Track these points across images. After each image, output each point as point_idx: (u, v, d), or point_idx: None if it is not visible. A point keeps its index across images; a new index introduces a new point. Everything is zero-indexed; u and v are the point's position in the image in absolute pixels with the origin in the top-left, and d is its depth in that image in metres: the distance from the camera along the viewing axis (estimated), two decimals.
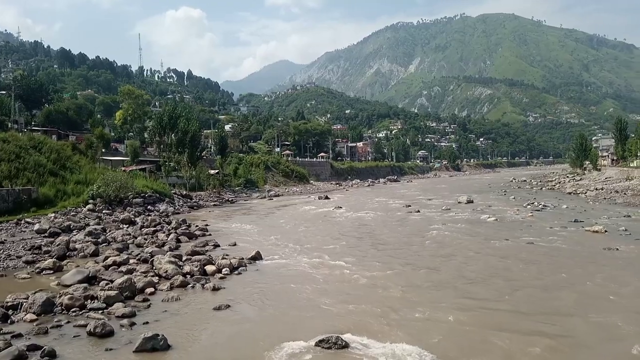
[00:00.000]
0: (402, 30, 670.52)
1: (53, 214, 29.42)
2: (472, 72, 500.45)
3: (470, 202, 44.42)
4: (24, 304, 12.35)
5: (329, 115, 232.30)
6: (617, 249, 19.80)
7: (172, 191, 46.62)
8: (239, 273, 16.92)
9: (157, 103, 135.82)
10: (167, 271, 16.12)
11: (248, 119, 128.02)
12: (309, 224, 31.43)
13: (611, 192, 48.19)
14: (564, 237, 23.58)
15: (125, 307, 12.48)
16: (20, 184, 31.63)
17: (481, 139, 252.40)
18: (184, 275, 15.97)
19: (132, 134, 75.82)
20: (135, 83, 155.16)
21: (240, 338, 10.92)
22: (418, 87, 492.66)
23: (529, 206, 39.45)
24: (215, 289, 14.71)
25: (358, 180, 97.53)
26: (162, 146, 60.03)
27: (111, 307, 12.48)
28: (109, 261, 17.60)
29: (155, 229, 27.24)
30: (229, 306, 12.96)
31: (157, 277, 15.78)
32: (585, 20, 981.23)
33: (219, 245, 22.31)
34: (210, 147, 79.44)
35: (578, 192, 54.22)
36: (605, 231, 24.45)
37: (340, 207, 41.96)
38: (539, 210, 36.39)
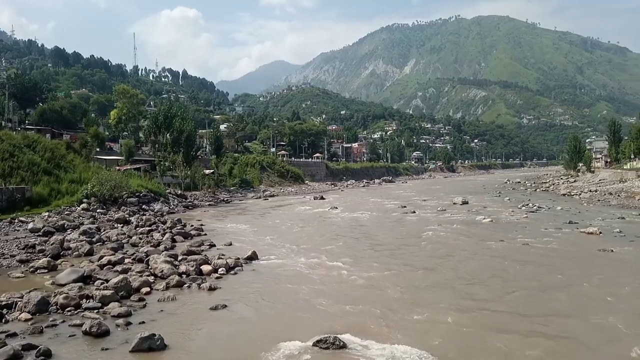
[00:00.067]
0: (397, 31, 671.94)
1: (47, 213, 29.19)
2: (466, 74, 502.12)
3: (465, 203, 44.55)
4: (19, 303, 12.23)
5: (324, 116, 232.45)
6: (612, 251, 19.89)
7: (167, 191, 46.44)
8: (235, 273, 16.86)
9: (151, 102, 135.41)
10: (162, 271, 16.05)
11: (243, 119, 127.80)
12: (304, 224, 31.38)
13: (605, 194, 48.45)
14: (559, 238, 23.67)
15: (121, 306, 12.39)
16: (14, 183, 31.38)
17: (475, 141, 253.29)
18: (180, 275, 15.90)
19: (126, 133, 75.48)
20: (130, 82, 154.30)
21: (237, 338, 10.86)
22: (413, 88, 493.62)
23: (524, 207, 39.59)
24: (211, 288, 14.65)
25: (353, 181, 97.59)
26: (157, 145, 59.74)
27: (107, 307, 12.39)
28: (104, 260, 17.48)
29: (150, 228, 27.10)
30: (225, 306, 12.89)
31: (152, 277, 15.71)
32: (579, 23, 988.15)
33: (214, 245, 22.23)
34: (206, 147, 79.24)
35: (572, 193, 54.48)
36: (600, 233, 24.58)
37: (336, 208, 41.97)
38: (533, 212, 36.53)
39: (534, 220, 31.11)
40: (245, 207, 45.97)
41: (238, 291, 14.60)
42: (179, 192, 49.55)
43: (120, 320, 11.44)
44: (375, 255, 20.08)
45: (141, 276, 15.35)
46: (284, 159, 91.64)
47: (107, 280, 14.56)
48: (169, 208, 39.80)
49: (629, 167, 68.02)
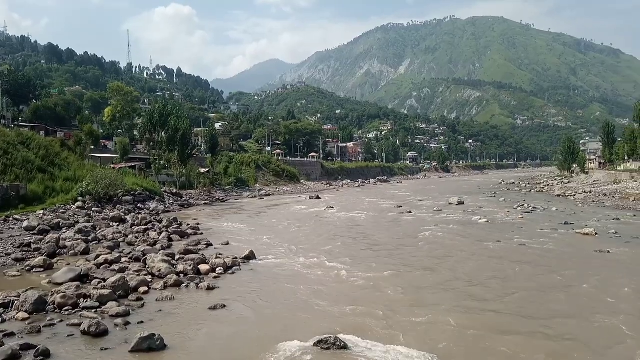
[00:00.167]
0: (392, 31, 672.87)
1: (42, 211, 28.93)
2: (461, 75, 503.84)
3: (461, 203, 44.65)
4: (16, 302, 12.10)
5: (319, 115, 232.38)
6: (608, 252, 19.97)
7: (163, 189, 46.22)
8: (233, 272, 16.79)
9: (146, 100, 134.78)
10: (160, 270, 15.95)
11: (239, 117, 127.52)
12: (301, 223, 31.33)
13: (599, 195, 48.71)
14: (555, 239, 23.74)
15: (119, 306, 12.30)
16: (8, 181, 31.05)
17: (470, 141, 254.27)
18: (178, 274, 15.82)
19: (121, 131, 75.02)
20: (124, 80, 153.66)
21: (237, 338, 10.81)
22: (408, 88, 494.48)
23: (519, 208, 39.73)
24: (209, 288, 14.58)
25: (348, 181, 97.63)
26: (152, 144, 59.48)
27: (105, 306, 12.30)
28: (101, 259, 17.35)
29: (146, 227, 26.97)
30: (224, 306, 12.82)
31: (150, 276, 15.61)
32: (573, 24, 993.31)
33: (211, 245, 22.15)
34: (201, 146, 78.94)
35: (567, 194, 54.74)
36: (596, 234, 24.69)
37: (332, 207, 41.95)
38: (529, 212, 36.65)
39: (529, 221, 31.20)
40: (241, 206, 45.86)
41: (236, 291, 14.54)
42: (175, 190, 49.32)
43: (119, 320, 11.35)
44: (373, 255, 20.06)
45: (139, 275, 15.26)
46: (280, 158, 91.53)
47: (104, 280, 14.45)
48: (165, 207, 39.62)
49: (622, 169, 68.41)
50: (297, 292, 14.33)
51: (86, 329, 10.49)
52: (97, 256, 17.93)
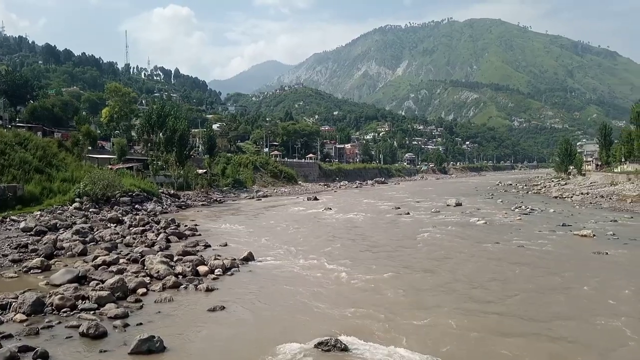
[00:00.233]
0: (390, 33, 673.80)
1: (39, 212, 28.84)
2: (458, 76, 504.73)
3: (458, 205, 44.69)
4: (13, 303, 12.02)
5: (316, 117, 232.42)
6: (607, 253, 20.00)
7: (160, 190, 46.11)
8: (232, 274, 16.73)
9: (143, 101, 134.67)
10: (159, 271, 15.88)
11: (236, 118, 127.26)
12: (299, 225, 31.27)
13: (597, 197, 48.81)
14: (553, 240, 23.76)
15: (117, 307, 12.23)
16: (5, 181, 30.97)
17: (467, 143, 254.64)
18: (176, 275, 15.75)
19: (118, 131, 74.87)
20: (122, 80, 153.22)
21: (236, 340, 10.76)
22: (405, 90, 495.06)
23: (517, 210, 39.77)
24: (208, 289, 14.53)
25: (346, 182, 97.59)
26: (149, 144, 59.34)
27: (103, 308, 12.23)
28: (99, 261, 17.28)
29: (144, 228, 26.86)
30: (223, 307, 12.77)
31: (148, 278, 15.53)
32: (570, 26, 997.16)
33: (209, 246, 22.07)
34: (198, 147, 78.83)
35: (564, 196, 54.83)
36: (594, 235, 24.73)
37: (330, 209, 41.92)
38: (526, 214, 36.70)
39: (527, 223, 31.24)
40: (238, 207, 45.78)
41: (235, 292, 14.48)
42: (172, 191, 49.24)
43: (118, 322, 11.28)
44: (372, 257, 20.01)
45: (137, 277, 15.17)
46: (277, 159, 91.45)
47: (102, 281, 14.38)
48: (162, 208, 39.52)
49: (619, 170, 68.62)
50: (297, 293, 14.29)
51: (85, 330, 10.43)
52: (95, 257, 17.84)
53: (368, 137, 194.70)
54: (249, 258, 18.99)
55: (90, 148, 53.44)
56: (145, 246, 20.84)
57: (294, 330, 11.18)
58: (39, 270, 16.39)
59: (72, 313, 11.92)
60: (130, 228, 27.06)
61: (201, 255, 18.83)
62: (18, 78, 74.01)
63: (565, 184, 75.33)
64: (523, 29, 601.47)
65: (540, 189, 70.20)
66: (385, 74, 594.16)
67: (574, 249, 21.69)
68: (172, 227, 27.05)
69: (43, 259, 17.47)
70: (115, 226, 27.69)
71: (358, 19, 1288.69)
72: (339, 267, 17.67)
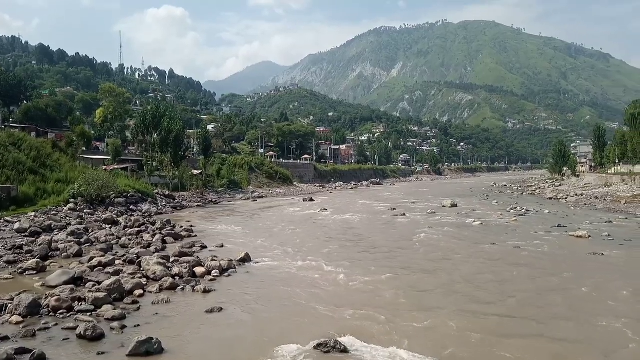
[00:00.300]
0: (385, 34, 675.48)
1: (33, 213, 28.61)
2: (453, 78, 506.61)
3: (454, 206, 44.77)
4: (9, 305, 11.90)
5: (312, 118, 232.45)
6: (602, 254, 20.06)
7: (155, 191, 45.95)
8: (229, 275, 16.66)
9: (137, 102, 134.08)
10: (155, 273, 15.79)
11: (231, 119, 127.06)
12: (295, 226, 31.20)
13: (591, 198, 49.05)
14: (549, 241, 23.82)
15: (114, 309, 12.12)
16: None
17: (462, 144, 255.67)
18: (173, 277, 15.67)
19: (112, 132, 74.53)
20: (116, 81, 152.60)
21: (235, 342, 10.69)
22: (400, 91, 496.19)
23: (512, 211, 39.88)
24: (205, 291, 14.45)
25: (341, 183, 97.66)
26: (144, 145, 59.09)
27: (100, 310, 12.11)
28: (94, 262, 17.12)
29: (139, 229, 26.70)
30: (221, 309, 12.69)
31: (145, 279, 15.43)
32: (563, 29, 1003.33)
33: (206, 247, 21.97)
34: (193, 147, 78.61)
35: (559, 197, 55.06)
36: (589, 236, 24.81)
37: (326, 210, 41.88)
38: (522, 215, 36.80)
39: (523, 224, 31.33)
40: (234, 208, 45.66)
41: (233, 294, 14.42)
42: (167, 192, 49.07)
43: (115, 324, 11.17)
44: (370, 258, 19.97)
45: (133, 278, 15.05)
46: (273, 160, 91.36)
47: (99, 282, 14.28)
48: (157, 209, 39.37)
49: (613, 172, 68.99)
50: (294, 295, 14.23)
51: (82, 332, 10.32)
52: (91, 259, 17.70)
53: (363, 138, 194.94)
54: (245, 259, 18.92)
55: (84, 149, 53.19)
56: (141, 247, 20.71)
57: (293, 331, 11.13)
58: (35, 272, 16.23)
59: (68, 315, 11.81)
60: (126, 229, 26.91)
61: (198, 257, 18.73)
62: (11, 78, 73.57)
63: (560, 185, 75.74)
64: (517, 31, 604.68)
65: (534, 190, 70.49)
66: (380, 75, 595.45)
67: (570, 249, 21.76)
68: (168, 228, 26.89)
69: (38, 260, 17.30)
70: (111, 227, 27.52)
71: (352, 20, 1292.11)
72: (336, 268, 17.61)
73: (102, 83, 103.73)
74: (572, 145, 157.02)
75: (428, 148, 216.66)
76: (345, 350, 9.89)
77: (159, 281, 15.06)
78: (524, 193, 67.54)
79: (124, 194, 38.68)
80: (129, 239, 23.26)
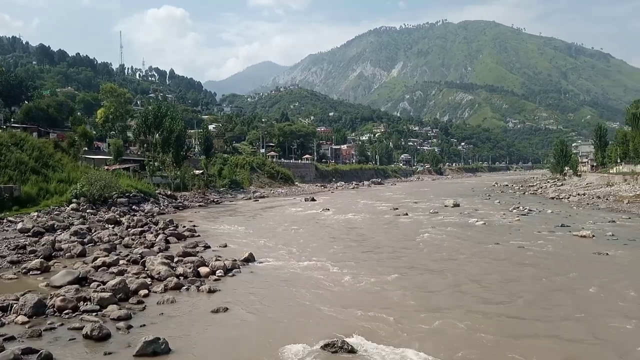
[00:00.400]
0: (385, 34, 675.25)
1: (36, 213, 28.61)
2: (453, 78, 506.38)
3: (456, 205, 44.70)
4: (14, 305, 11.85)
5: (312, 118, 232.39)
6: (607, 254, 19.97)
7: (157, 191, 45.94)
8: (233, 275, 16.61)
9: (138, 102, 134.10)
10: (159, 273, 15.75)
11: (232, 119, 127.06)
12: (298, 226, 31.15)
13: (593, 198, 48.96)
14: (553, 241, 23.74)
15: (120, 309, 12.09)
16: (1, 182, 30.69)
17: (462, 144, 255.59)
18: (178, 277, 15.62)
19: (114, 132, 74.57)
20: (116, 81, 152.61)
21: (241, 342, 10.63)
22: (400, 91, 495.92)
23: (515, 210, 39.79)
24: (210, 291, 14.40)
25: (342, 183, 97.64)
26: (146, 145, 59.07)
27: (105, 310, 12.08)
28: (98, 262, 17.09)
29: (142, 229, 26.66)
30: (227, 309, 12.64)
31: (149, 279, 15.38)
32: (563, 29, 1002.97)
33: (209, 247, 21.92)
34: (195, 147, 78.60)
35: (561, 197, 54.96)
36: (593, 236, 24.71)
37: (328, 209, 41.83)
38: (524, 215, 36.71)
39: (526, 223, 31.25)
40: (235, 208, 45.63)
41: (238, 294, 14.36)
42: (169, 192, 49.06)
43: (121, 324, 11.13)
44: (375, 258, 19.89)
45: (138, 278, 15.03)
46: (274, 160, 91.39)
47: (103, 282, 14.22)
48: (160, 209, 39.35)
49: (615, 171, 68.94)
50: (300, 295, 14.18)
51: (88, 332, 10.28)
52: (95, 258, 17.66)
53: (364, 138, 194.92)
54: (249, 259, 18.88)
55: (86, 149, 53.22)
56: (145, 247, 20.68)
57: (299, 331, 11.07)
58: (39, 272, 16.21)
59: (74, 315, 11.76)
60: (129, 229, 26.88)
61: (201, 256, 18.68)
62: (12, 78, 73.64)
63: (562, 184, 75.65)
64: (517, 31, 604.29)
65: (536, 190, 70.40)
66: (380, 75, 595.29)
67: (574, 249, 21.67)
68: (171, 228, 26.86)
69: (42, 260, 17.29)
70: (113, 227, 27.50)
71: (352, 21, 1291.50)
72: (342, 268, 17.53)
73: (103, 83, 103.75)
74: (573, 145, 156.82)
75: (429, 148, 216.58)
76: (352, 351, 9.81)
77: (164, 281, 15.02)
78: (526, 193, 67.43)
79: (126, 194, 38.66)
80: (132, 239, 23.24)
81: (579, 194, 54.04)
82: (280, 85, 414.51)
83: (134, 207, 37.19)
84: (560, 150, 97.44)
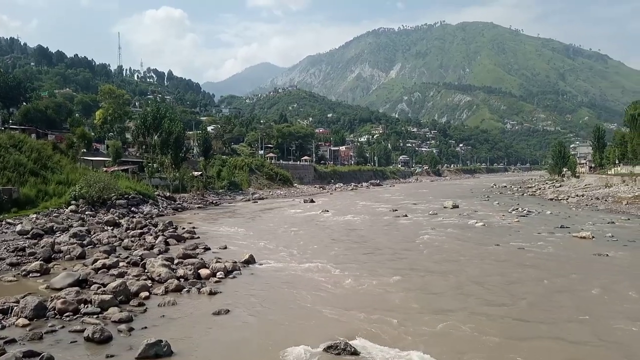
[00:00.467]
0: (383, 35, 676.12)
1: (35, 215, 28.54)
2: (451, 79, 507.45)
3: (455, 207, 44.70)
4: (15, 308, 11.78)
5: (311, 119, 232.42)
6: (607, 255, 19.99)
7: (156, 193, 45.87)
8: (234, 277, 16.57)
9: (137, 103, 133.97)
10: (160, 275, 15.68)
11: (231, 120, 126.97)
12: (298, 228, 31.11)
13: (592, 199, 49.03)
14: (553, 242, 23.75)
15: (121, 311, 12.02)
16: (0, 184, 30.61)
17: (461, 145, 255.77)
18: (178, 279, 15.56)
19: (112, 134, 74.44)
20: (115, 82, 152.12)
21: (244, 344, 10.60)
22: (399, 92, 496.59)
23: (514, 212, 39.83)
24: (211, 293, 14.36)
25: (341, 184, 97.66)
26: (144, 147, 58.96)
27: (106, 312, 12.01)
28: (98, 264, 17.00)
29: (141, 231, 26.58)
30: (228, 311, 12.60)
31: (150, 281, 15.30)
32: (561, 30, 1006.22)
33: (209, 249, 21.87)
34: (193, 149, 78.51)
35: (560, 198, 55.03)
36: (593, 237, 24.73)
37: (327, 211, 41.81)
38: (524, 216, 36.73)
39: (525, 225, 31.26)
40: (235, 209, 45.57)
41: (239, 295, 14.32)
42: (168, 194, 48.98)
43: (122, 326, 11.08)
44: (375, 260, 19.86)
45: (138, 280, 14.96)
46: (273, 161, 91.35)
47: (104, 285, 14.17)
48: (159, 210, 39.29)
49: (613, 173, 69.06)
50: (301, 297, 14.13)
51: (90, 335, 10.22)
52: (95, 261, 17.58)
53: (362, 139, 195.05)
54: (250, 261, 18.84)
55: (84, 150, 53.07)
56: (145, 249, 20.66)
57: (302, 334, 11.03)
58: (39, 274, 16.13)
59: (75, 317, 11.70)
60: (128, 231, 26.81)
61: (202, 258, 18.63)
62: (10, 80, 73.46)
63: (560, 186, 75.78)
64: (515, 32, 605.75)
65: (535, 191, 70.48)
66: (379, 76, 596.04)
67: (575, 250, 21.68)
68: (170, 230, 26.79)
69: (42, 262, 17.19)
70: (113, 229, 27.44)
71: (351, 22, 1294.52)
72: (343, 270, 17.49)
73: (101, 84, 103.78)
74: (571, 146, 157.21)
75: (427, 149, 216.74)
76: (355, 353, 9.77)
77: (164, 283, 14.96)
78: (525, 194, 67.51)
79: (125, 196, 38.59)
80: (132, 241, 23.19)
81: (577, 195, 54.12)
82: (278, 87, 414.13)
83: (133, 208, 37.12)
84: (559, 151, 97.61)
